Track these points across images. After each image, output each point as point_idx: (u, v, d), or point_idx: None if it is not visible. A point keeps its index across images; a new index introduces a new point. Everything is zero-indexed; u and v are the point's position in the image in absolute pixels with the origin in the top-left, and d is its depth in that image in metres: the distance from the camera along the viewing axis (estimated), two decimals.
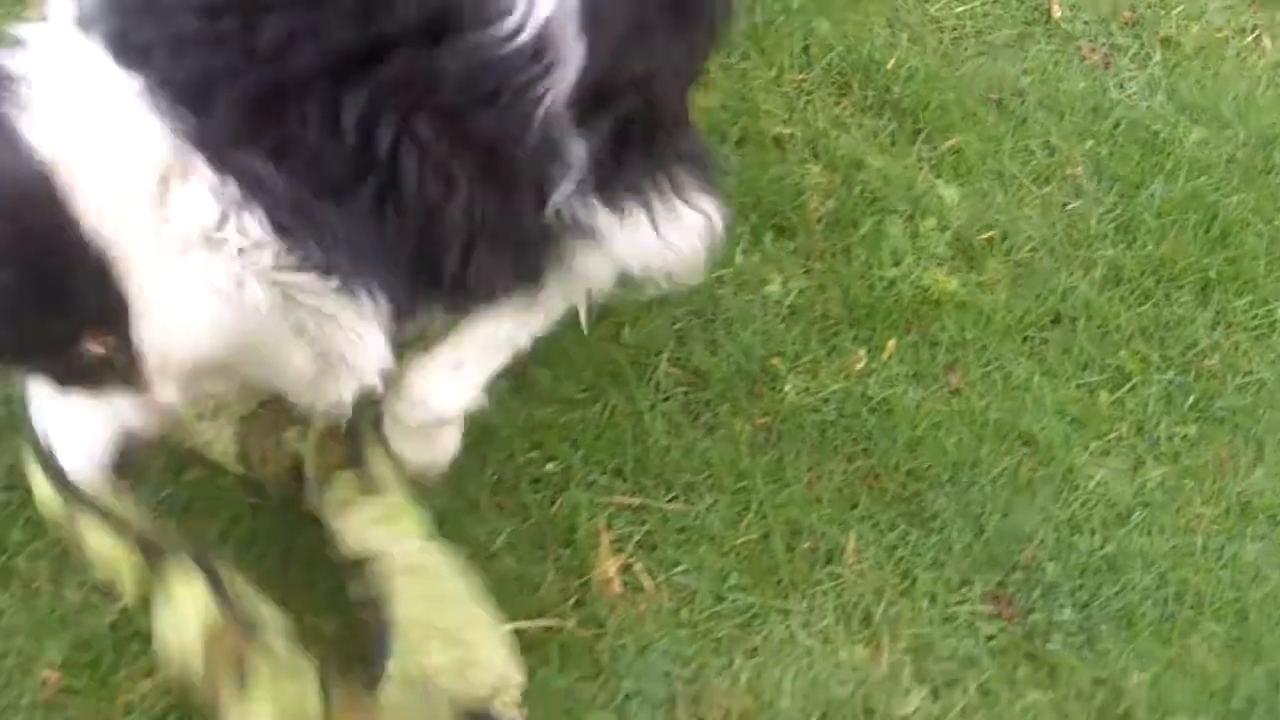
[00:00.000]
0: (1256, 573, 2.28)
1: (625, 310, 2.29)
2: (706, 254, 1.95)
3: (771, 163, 2.59)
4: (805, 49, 2.74)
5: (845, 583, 2.17)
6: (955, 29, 2.87)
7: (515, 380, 2.15)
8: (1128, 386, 2.44)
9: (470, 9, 1.48)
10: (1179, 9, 2.99)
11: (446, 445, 2.04)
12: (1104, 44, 2.91)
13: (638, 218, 1.80)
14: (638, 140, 1.74)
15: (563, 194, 1.66)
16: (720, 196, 1.93)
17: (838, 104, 2.71)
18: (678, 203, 1.84)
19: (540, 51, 1.51)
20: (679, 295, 2.35)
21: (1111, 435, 2.39)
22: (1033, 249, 2.58)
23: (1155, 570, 2.24)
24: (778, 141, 2.63)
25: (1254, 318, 2.56)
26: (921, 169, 2.64)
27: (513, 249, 1.71)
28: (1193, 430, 2.42)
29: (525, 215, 1.67)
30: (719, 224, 1.92)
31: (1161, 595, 2.22)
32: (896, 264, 2.51)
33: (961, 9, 2.90)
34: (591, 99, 1.60)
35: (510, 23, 1.48)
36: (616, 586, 2.13)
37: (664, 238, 1.84)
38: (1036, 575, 2.21)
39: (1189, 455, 2.39)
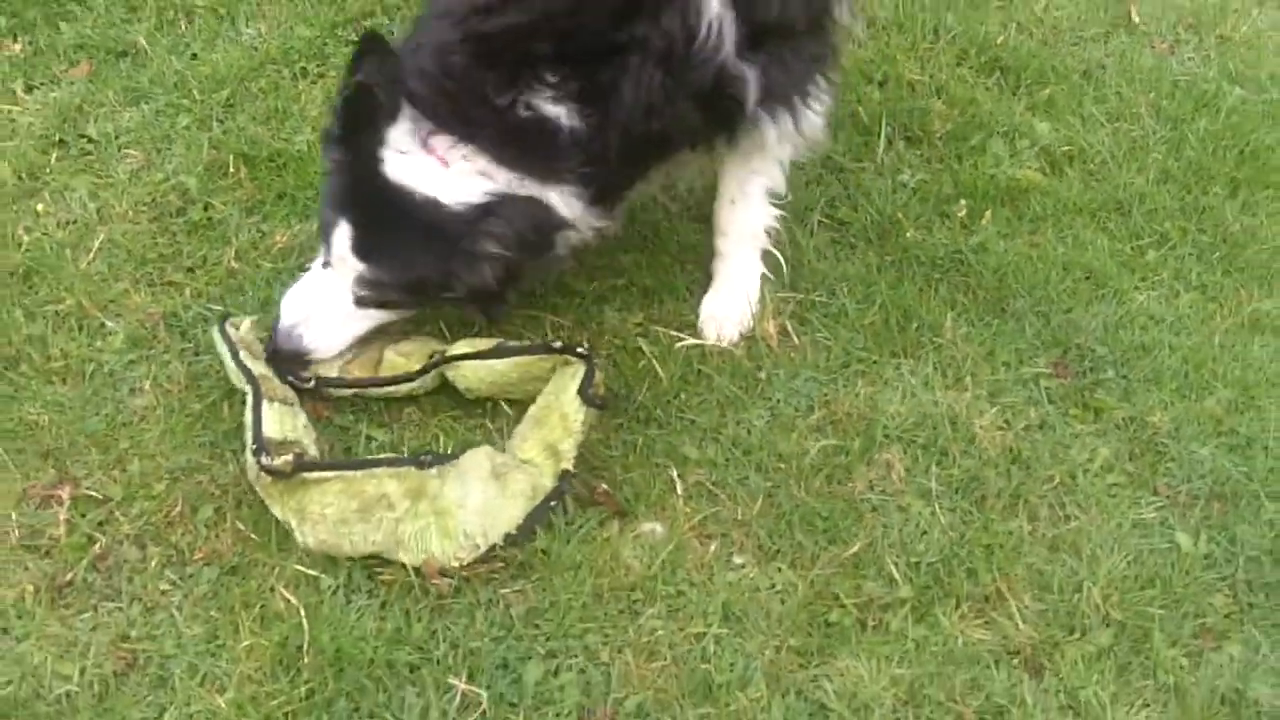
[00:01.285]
0: (1260, 364, 2.98)
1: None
2: (826, 131, 2.84)
3: (904, 97, 3.49)
4: (934, 29, 3.67)
5: (942, 349, 2.95)
6: (1054, 25, 3.77)
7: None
8: (1169, 245, 3.21)
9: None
10: (1234, 14, 3.85)
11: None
12: (1170, 39, 3.78)
13: (784, 116, 2.71)
14: (779, 65, 2.64)
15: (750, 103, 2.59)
16: (837, 88, 2.83)
17: (958, 65, 3.61)
18: (808, 106, 2.73)
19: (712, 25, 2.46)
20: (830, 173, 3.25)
21: (1155, 277, 3.15)
22: (1102, 160, 3.40)
23: (1180, 353, 2.97)
24: (911, 85, 3.53)
25: (1273, 204, 3.32)
26: (1020, 108, 3.51)
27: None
28: (1219, 275, 3.16)
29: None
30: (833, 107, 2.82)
31: (1184, 369, 2.94)
32: (997, 164, 3.35)
33: (1059, 12, 3.80)
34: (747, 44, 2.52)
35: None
36: (774, 339, 2.95)
37: (799, 127, 2.74)
38: (1089, 353, 2.95)
39: (1214, 289, 3.13)
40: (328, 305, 2.68)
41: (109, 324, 2.85)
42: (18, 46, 3.50)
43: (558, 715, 2.30)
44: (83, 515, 2.52)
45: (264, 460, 2.47)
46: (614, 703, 2.32)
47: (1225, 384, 2.92)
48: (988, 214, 3.23)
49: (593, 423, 2.64)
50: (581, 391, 2.59)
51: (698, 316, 2.96)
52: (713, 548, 2.55)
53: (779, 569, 2.52)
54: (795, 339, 2.94)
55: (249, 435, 2.54)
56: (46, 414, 2.68)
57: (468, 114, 2.48)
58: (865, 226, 3.19)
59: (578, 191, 2.57)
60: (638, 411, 2.73)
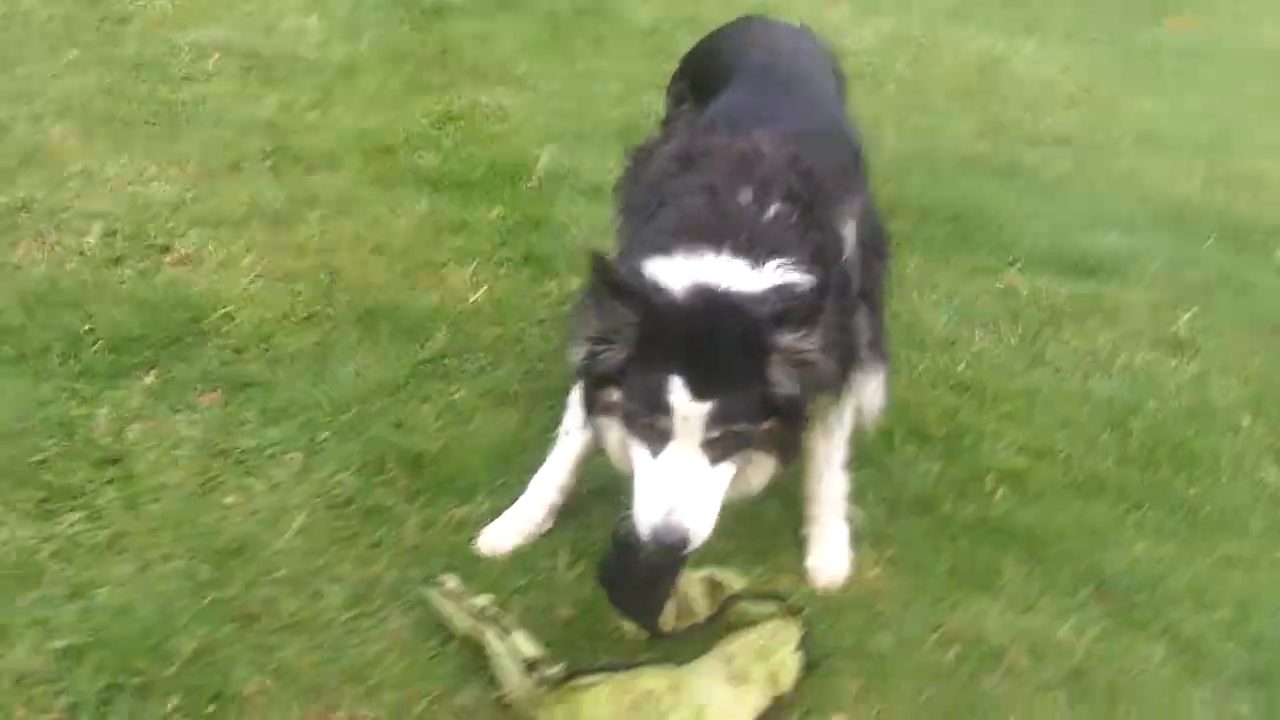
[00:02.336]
0: (1247, 588, 3.74)
1: None
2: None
3: (902, 410, 4.26)
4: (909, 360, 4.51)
5: (1006, 586, 3.60)
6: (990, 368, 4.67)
7: None
8: (1144, 510, 4.01)
9: None
10: (1124, 354, 4.85)
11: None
12: (1081, 371, 4.73)
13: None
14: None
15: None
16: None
17: (934, 388, 4.43)
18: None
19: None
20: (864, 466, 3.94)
21: (1142, 532, 3.92)
22: (1066, 455, 4.22)
23: (1184, 580, 3.70)
24: (905, 402, 4.32)
25: (1209, 478, 4.17)
26: (991, 418, 4.32)
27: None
28: (1187, 530, 3.95)
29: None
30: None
31: (1192, 591, 3.67)
32: (992, 455, 4.12)
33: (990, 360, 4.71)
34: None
35: None
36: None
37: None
38: (1118, 584, 3.66)
39: (1188, 539, 3.91)
40: (688, 478, 2.77)
41: (324, 588, 3.21)
42: (149, 379, 3.89)
43: None
44: None
45: (537, 673, 2.85)
46: None
47: (1225, 602, 3.65)
48: (1001, 489, 3.95)
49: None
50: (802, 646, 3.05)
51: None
52: None
53: None
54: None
55: (508, 662, 2.90)
56: (302, 657, 3.00)
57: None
58: (907, 502, 3.86)
59: None
60: None
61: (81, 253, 4.39)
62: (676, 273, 2.82)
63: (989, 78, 7.53)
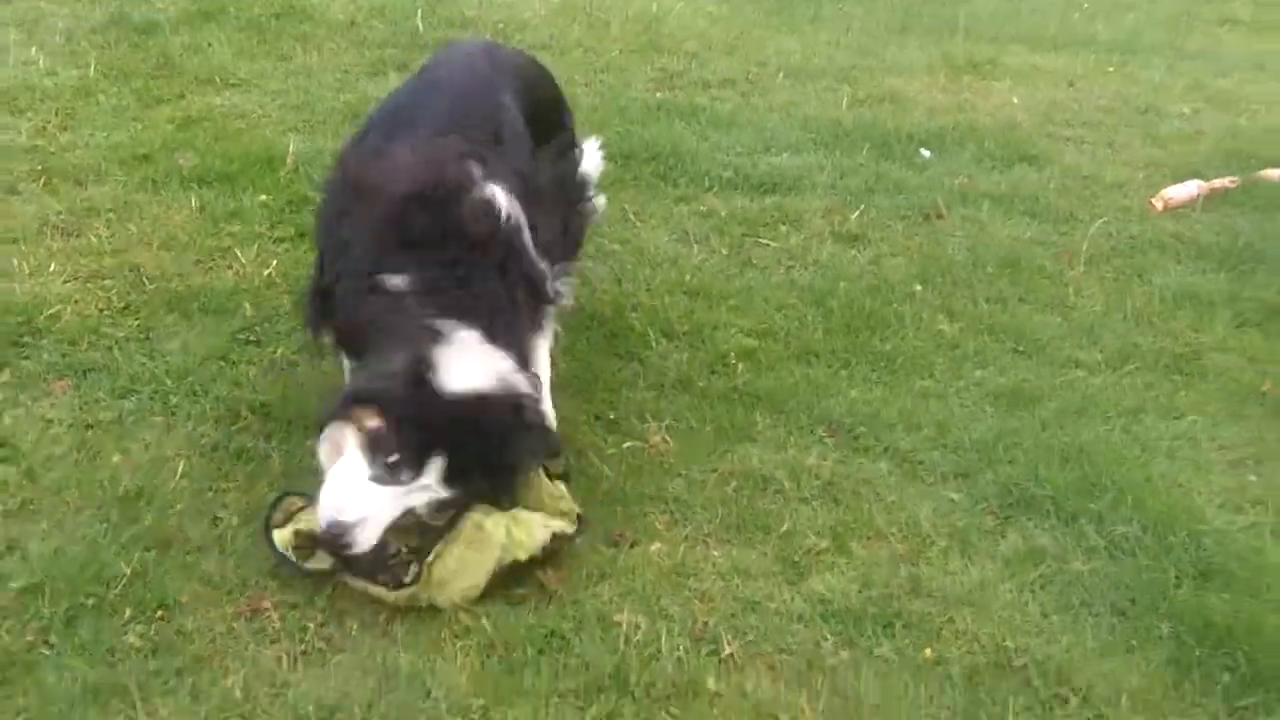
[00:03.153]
0: None
1: None
2: None
3: None
4: None
5: None
6: None
7: None
8: None
9: None
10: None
11: None
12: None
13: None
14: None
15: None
16: None
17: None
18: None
19: None
20: None
21: None
22: None
23: None
24: None
25: None
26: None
27: None
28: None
29: None
30: None
31: None
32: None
33: None
34: None
35: None
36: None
37: None
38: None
39: None
40: (377, 506, 3.36)
41: (220, 513, 3.81)
42: (4, 377, 4.35)
43: None
44: None
45: (394, 579, 3.48)
46: None
47: (927, 424, 4.63)
48: (740, 365, 4.82)
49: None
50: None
51: None
52: None
53: None
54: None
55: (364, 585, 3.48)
56: (221, 566, 3.60)
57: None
58: (670, 384, 4.69)
59: None
60: None
61: None
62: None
63: (654, 34, 8.42)
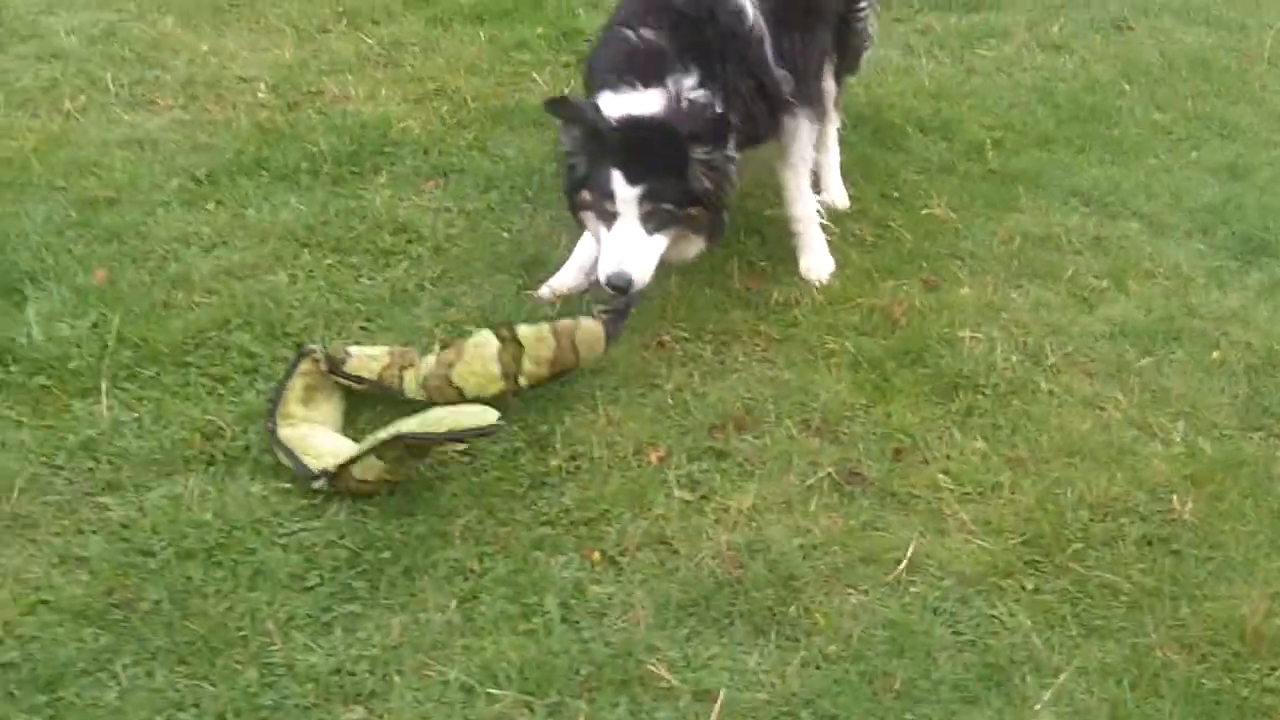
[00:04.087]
0: None
1: None
2: None
3: None
4: None
5: None
6: None
7: None
8: None
9: None
10: None
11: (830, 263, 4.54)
12: None
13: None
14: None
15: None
16: None
17: None
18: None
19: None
20: None
21: None
22: None
23: None
24: None
25: None
26: None
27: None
28: None
29: None
30: None
31: None
32: None
33: None
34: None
35: None
36: None
37: None
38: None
39: None
40: (631, 242, 3.88)
41: None
42: (382, 179, 5.09)
43: None
44: None
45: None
46: None
47: (1162, 193, 5.30)
48: (991, 151, 5.50)
49: None
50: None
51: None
52: None
53: None
54: None
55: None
56: None
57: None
58: (934, 169, 5.37)
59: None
60: None
61: (262, 105, 5.49)
62: (614, 102, 3.92)
63: None
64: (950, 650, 3.07)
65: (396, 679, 2.95)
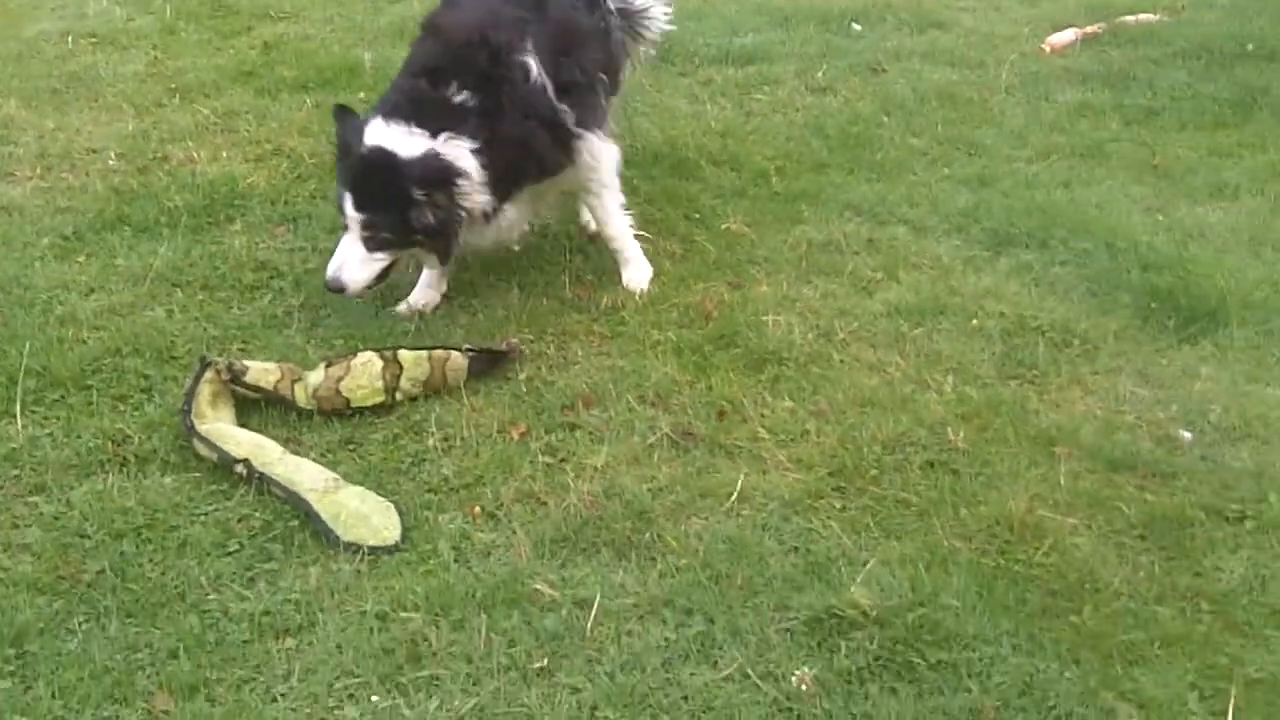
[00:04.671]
0: None
1: None
2: None
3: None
4: None
5: None
6: None
7: None
8: None
9: None
10: None
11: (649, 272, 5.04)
12: None
13: None
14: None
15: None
16: None
17: None
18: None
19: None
20: None
21: None
22: None
23: None
24: None
25: None
26: None
27: None
28: None
29: None
30: None
31: None
32: None
33: None
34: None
35: None
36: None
37: None
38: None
39: None
40: (349, 256, 4.46)
41: None
42: (237, 226, 5.60)
43: None
44: None
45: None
46: None
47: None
48: (774, 176, 6.26)
49: None
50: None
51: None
52: None
53: None
54: None
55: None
56: None
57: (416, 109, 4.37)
58: (728, 194, 6.11)
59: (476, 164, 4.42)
60: None
61: (114, 171, 5.95)
62: (379, 131, 4.38)
63: None
64: (778, 554, 3.70)
65: (320, 615, 3.44)
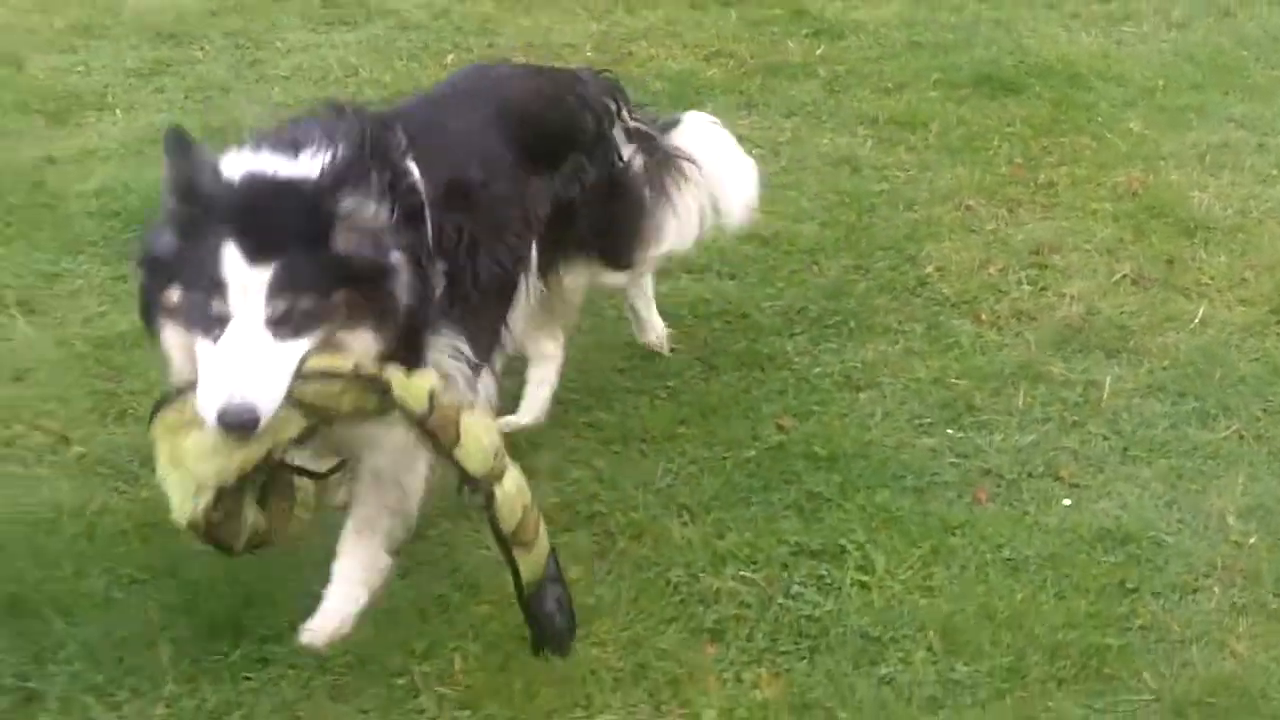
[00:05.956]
0: None
1: None
2: None
3: None
4: None
5: None
6: None
7: None
8: None
9: None
10: None
11: None
12: None
13: None
14: None
15: None
16: None
17: None
18: None
19: None
20: None
21: None
22: None
23: None
24: None
25: None
26: None
27: None
28: None
29: None
30: None
31: None
32: None
33: None
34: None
35: None
36: None
37: None
38: None
39: None
40: (251, 356, 2.53)
41: None
42: None
43: None
44: None
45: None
46: None
47: None
48: None
49: None
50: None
51: None
52: None
53: None
54: None
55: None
56: None
57: None
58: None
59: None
60: None
61: (592, 61, 6.96)
62: (235, 162, 2.74)
63: None
64: (1245, 361, 4.53)
65: (881, 379, 4.39)
